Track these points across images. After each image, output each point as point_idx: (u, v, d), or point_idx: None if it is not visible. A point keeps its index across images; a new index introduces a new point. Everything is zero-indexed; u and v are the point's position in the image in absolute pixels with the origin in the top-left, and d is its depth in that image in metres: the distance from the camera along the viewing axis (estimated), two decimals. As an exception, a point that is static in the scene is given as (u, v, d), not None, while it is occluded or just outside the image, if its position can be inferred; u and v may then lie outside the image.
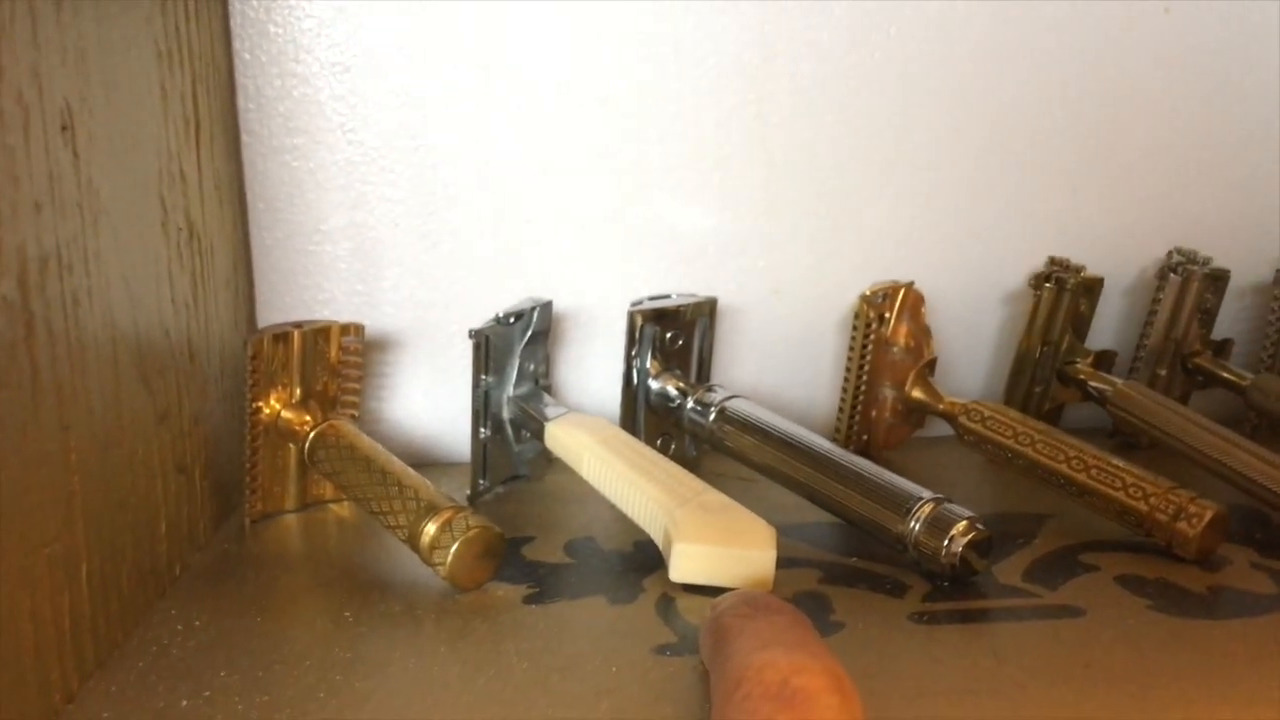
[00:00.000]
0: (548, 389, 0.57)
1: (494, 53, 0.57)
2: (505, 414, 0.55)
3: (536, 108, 0.58)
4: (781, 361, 0.63)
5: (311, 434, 0.50)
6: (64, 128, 0.37)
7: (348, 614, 0.43)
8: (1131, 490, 0.47)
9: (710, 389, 0.55)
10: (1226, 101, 0.63)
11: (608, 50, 0.58)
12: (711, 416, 0.54)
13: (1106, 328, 0.64)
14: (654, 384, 0.57)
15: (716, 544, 0.44)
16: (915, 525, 0.45)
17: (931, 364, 0.58)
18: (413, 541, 0.45)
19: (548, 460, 0.56)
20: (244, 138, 0.56)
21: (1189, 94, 0.62)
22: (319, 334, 0.52)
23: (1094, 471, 0.48)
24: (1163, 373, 0.60)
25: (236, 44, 0.55)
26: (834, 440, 0.58)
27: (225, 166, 0.54)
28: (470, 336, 0.52)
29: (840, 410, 0.58)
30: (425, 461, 0.60)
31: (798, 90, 0.60)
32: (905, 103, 0.60)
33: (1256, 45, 0.62)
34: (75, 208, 0.38)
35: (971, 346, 0.64)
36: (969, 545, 0.44)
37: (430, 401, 0.61)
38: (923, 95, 0.60)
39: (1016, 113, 0.61)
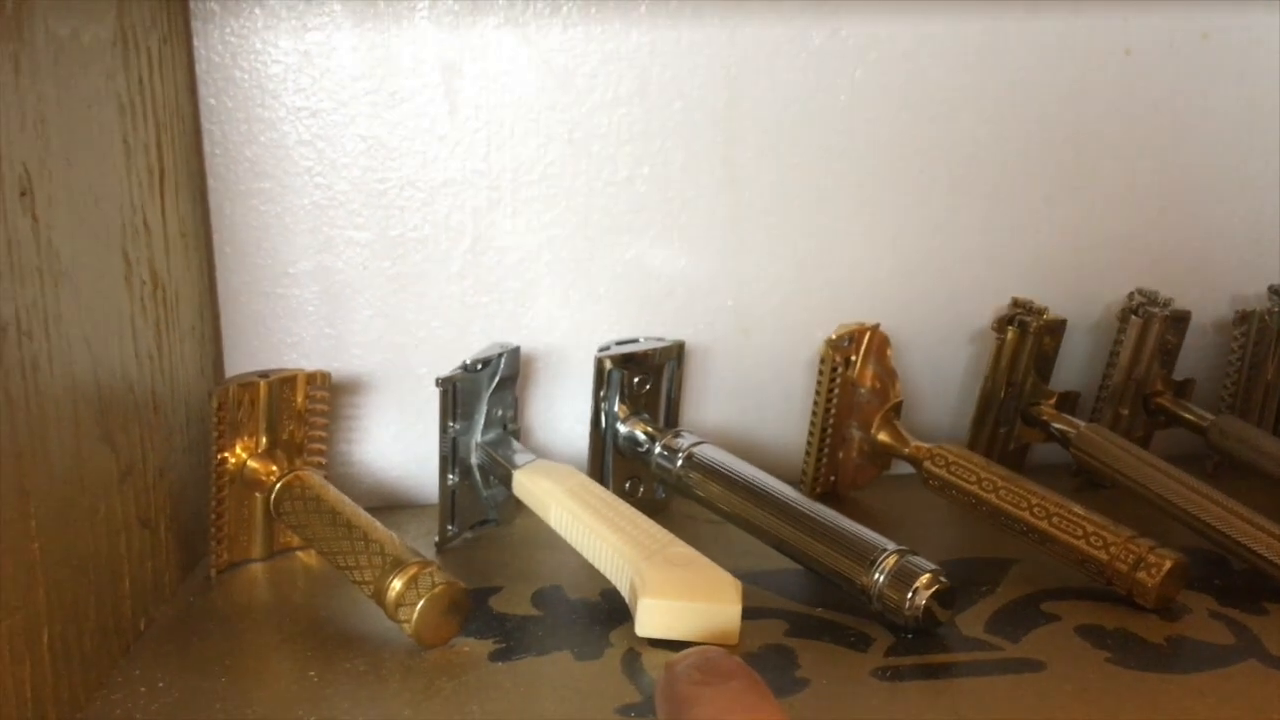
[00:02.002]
0: (516, 434, 0.57)
1: (461, 96, 0.57)
2: (473, 460, 0.55)
3: (504, 150, 0.58)
4: (751, 401, 0.64)
5: (277, 485, 0.50)
6: (23, 193, 0.37)
7: (312, 673, 0.42)
8: (1092, 539, 0.48)
9: (678, 434, 0.55)
10: (1187, 142, 0.64)
11: (575, 93, 0.58)
12: (678, 463, 0.54)
13: (1071, 365, 0.65)
14: (622, 428, 0.57)
15: (682, 599, 0.44)
16: (879, 577, 0.45)
17: (897, 407, 0.58)
18: (378, 597, 0.45)
19: (517, 504, 0.56)
20: (210, 183, 0.56)
21: (1150, 135, 0.63)
22: (285, 383, 0.52)
23: (1055, 519, 0.49)
24: (1125, 413, 0.61)
25: (202, 90, 0.55)
26: (801, 482, 0.59)
27: (191, 213, 0.54)
28: (437, 385, 0.52)
29: (807, 454, 0.58)
30: (396, 504, 0.60)
31: (765, 133, 0.60)
32: (871, 145, 0.61)
33: (1216, 86, 0.63)
34: (35, 273, 0.38)
35: (939, 385, 0.65)
36: (932, 597, 0.45)
37: (400, 444, 0.61)
38: (889, 138, 0.61)
39: (981, 155, 0.62)
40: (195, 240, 0.54)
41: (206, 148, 0.56)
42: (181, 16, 0.53)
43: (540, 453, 0.56)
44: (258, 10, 0.55)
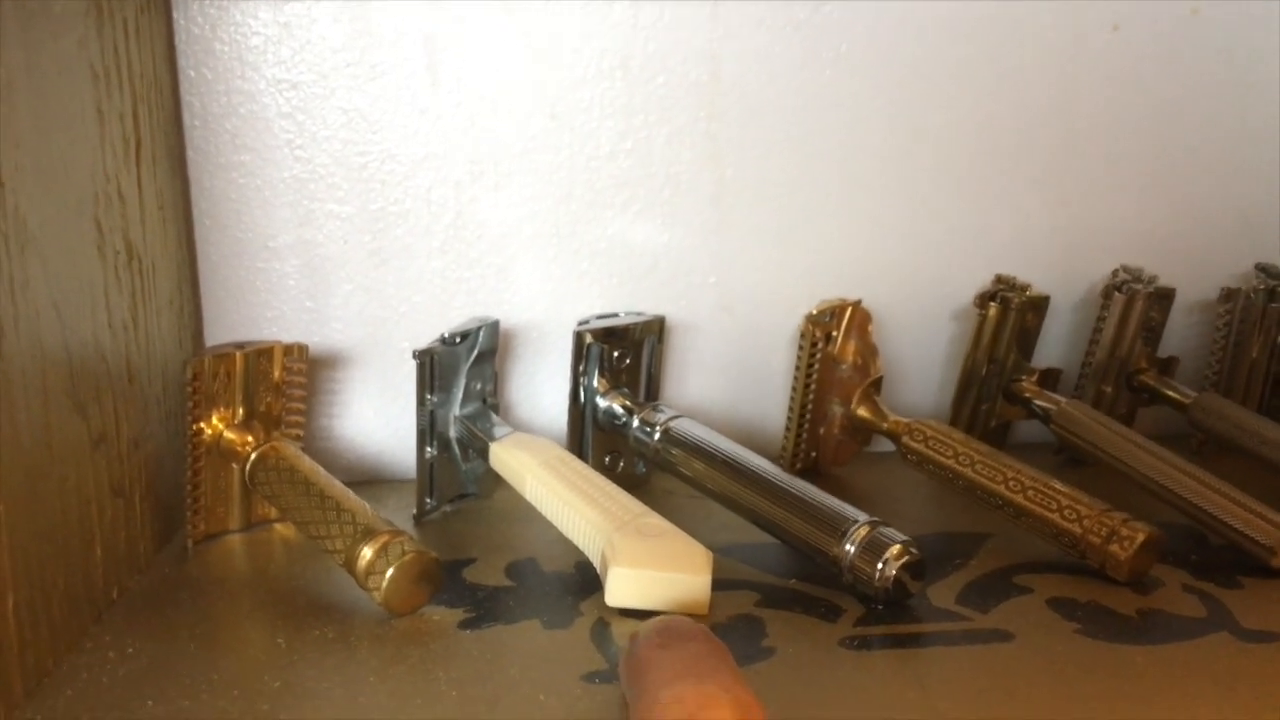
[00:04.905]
0: (495, 408, 0.57)
1: (443, 69, 0.57)
2: (452, 433, 0.55)
3: (486, 124, 0.58)
4: (732, 378, 0.63)
5: (252, 455, 0.50)
6: (-13, 158, 0.37)
7: (280, 640, 0.43)
8: (1066, 512, 0.48)
9: (656, 408, 0.55)
10: (1175, 119, 0.63)
11: (558, 67, 0.58)
12: (656, 436, 0.54)
13: (1055, 342, 0.64)
14: (601, 402, 0.57)
15: (652, 568, 0.44)
16: (850, 548, 0.45)
17: (878, 382, 0.58)
18: (349, 566, 0.45)
19: (496, 477, 0.56)
20: (190, 155, 0.56)
21: (1136, 112, 0.63)
22: (262, 354, 0.52)
23: (1030, 493, 0.49)
24: (1108, 390, 0.61)
25: (181, 61, 0.55)
26: (781, 458, 0.59)
27: (169, 185, 0.54)
28: (415, 357, 0.52)
29: (787, 430, 0.58)
30: (376, 478, 0.61)
31: (748, 108, 0.60)
32: (855, 120, 0.61)
33: (1202, 64, 0.63)
34: (0, 239, 0.38)
35: (921, 362, 0.64)
36: (903, 568, 0.44)
37: (381, 418, 0.61)
38: (873, 113, 0.61)
39: (966, 130, 0.62)
40: (174, 212, 0.54)
41: (186, 119, 0.56)
42: (160, -13, 0.53)
43: (522, 427, 0.56)
44: (236, -19, 0.55)
